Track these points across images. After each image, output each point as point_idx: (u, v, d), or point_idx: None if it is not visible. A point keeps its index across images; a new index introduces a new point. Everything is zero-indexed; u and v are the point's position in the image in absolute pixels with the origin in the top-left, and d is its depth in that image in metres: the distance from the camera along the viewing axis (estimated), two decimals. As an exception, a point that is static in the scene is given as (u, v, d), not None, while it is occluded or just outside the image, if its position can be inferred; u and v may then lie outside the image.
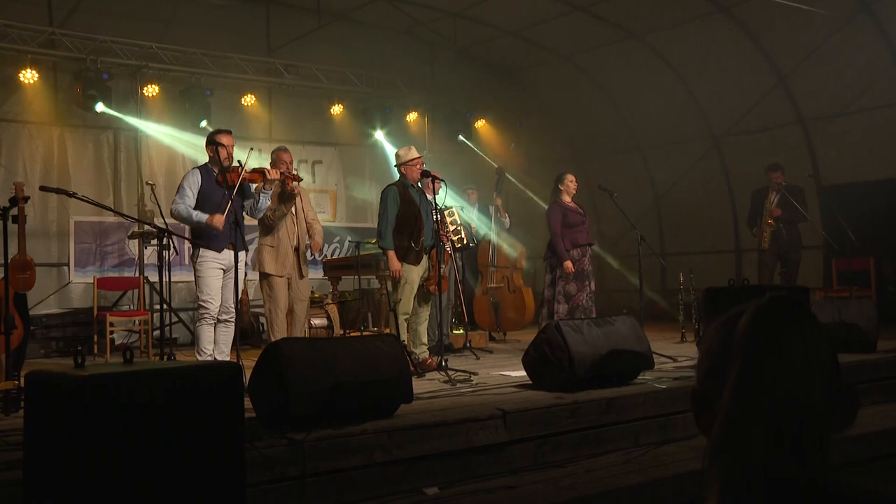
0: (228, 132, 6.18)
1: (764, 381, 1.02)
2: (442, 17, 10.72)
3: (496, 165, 9.97)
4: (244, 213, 6.16)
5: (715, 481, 1.03)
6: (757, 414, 1.01)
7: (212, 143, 6.06)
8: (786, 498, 0.99)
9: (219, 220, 5.84)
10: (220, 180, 5.93)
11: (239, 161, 6.00)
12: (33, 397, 3.07)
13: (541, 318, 7.99)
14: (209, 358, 5.81)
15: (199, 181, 5.96)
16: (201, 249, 5.88)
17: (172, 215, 6.03)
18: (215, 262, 5.91)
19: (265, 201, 6.17)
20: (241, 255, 5.89)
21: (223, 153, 5.96)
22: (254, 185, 6.18)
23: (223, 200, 5.91)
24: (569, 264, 7.60)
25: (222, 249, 5.90)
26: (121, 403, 2.81)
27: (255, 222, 6.55)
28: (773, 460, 1.00)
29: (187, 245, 7.51)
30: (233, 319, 6.04)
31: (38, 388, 3.04)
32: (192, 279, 6.10)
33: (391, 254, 6.58)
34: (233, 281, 5.96)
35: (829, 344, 1.08)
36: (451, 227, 8.08)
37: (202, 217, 5.87)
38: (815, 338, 1.06)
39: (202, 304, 5.90)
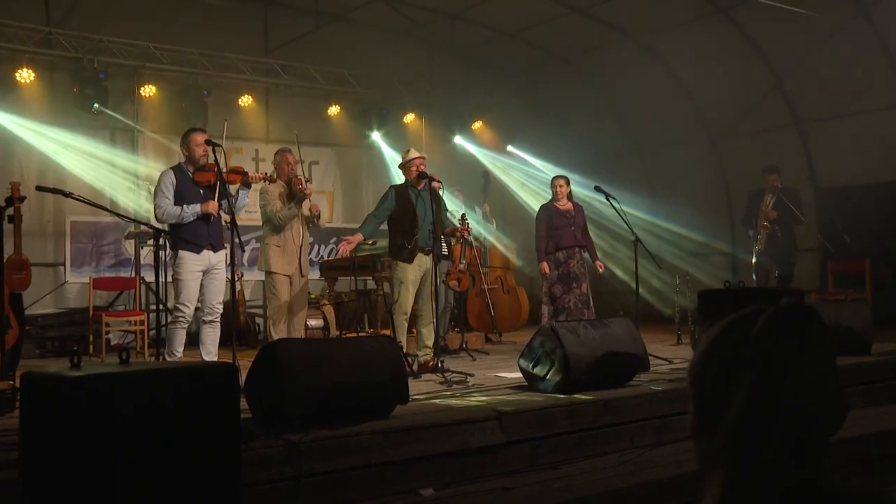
0: (201, 130, 6.14)
1: (781, 387, 1.02)
2: (440, 19, 10.72)
3: (483, 170, 9.98)
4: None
5: (717, 483, 1.03)
6: (771, 419, 1.01)
7: (185, 143, 6.06)
8: (789, 501, 1.00)
9: (213, 206, 5.85)
10: (197, 179, 5.91)
11: (216, 159, 5.95)
12: (29, 397, 3.07)
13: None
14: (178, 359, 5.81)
15: (175, 181, 5.93)
16: (180, 252, 5.85)
17: (159, 219, 5.98)
18: (195, 265, 5.88)
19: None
20: (222, 253, 5.90)
21: (198, 151, 5.94)
22: (231, 186, 6.10)
23: (202, 199, 5.90)
24: (543, 266, 7.74)
25: (202, 251, 5.89)
26: (117, 404, 2.81)
27: (254, 221, 6.56)
28: (779, 463, 1.00)
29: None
30: (218, 319, 6.06)
31: (34, 388, 3.04)
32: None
33: (357, 235, 6.72)
34: (216, 281, 5.97)
35: (834, 350, 1.08)
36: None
37: (195, 208, 5.85)
38: (828, 345, 1.06)
39: (178, 306, 5.88)
